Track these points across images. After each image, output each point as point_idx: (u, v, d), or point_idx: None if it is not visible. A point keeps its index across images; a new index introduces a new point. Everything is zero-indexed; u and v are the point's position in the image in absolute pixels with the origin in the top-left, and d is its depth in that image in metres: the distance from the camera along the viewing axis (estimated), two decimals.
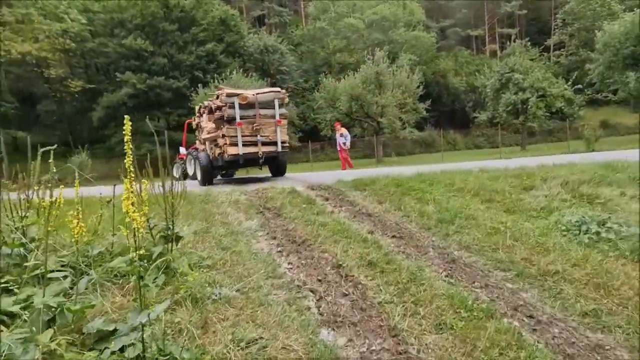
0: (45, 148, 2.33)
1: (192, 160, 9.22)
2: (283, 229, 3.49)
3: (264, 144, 7.38)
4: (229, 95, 7.34)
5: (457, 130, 34.55)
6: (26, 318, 1.42)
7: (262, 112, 7.52)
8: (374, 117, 22.01)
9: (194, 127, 9.91)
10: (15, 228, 2.32)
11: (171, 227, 2.40)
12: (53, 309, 1.43)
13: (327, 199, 4.47)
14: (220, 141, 7.42)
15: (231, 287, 2.26)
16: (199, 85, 24.12)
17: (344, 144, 13.33)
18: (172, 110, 28.57)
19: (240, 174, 10.57)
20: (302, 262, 2.76)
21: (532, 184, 4.18)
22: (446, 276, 2.45)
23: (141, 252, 1.56)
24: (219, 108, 7.43)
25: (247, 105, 7.32)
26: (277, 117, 7.64)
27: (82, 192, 2.27)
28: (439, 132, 34.53)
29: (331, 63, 33.89)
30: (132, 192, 1.47)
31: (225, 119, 7.19)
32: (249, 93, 7.68)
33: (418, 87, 21.64)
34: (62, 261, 2.15)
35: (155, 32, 29.03)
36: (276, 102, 7.72)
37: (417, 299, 2.09)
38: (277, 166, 8.34)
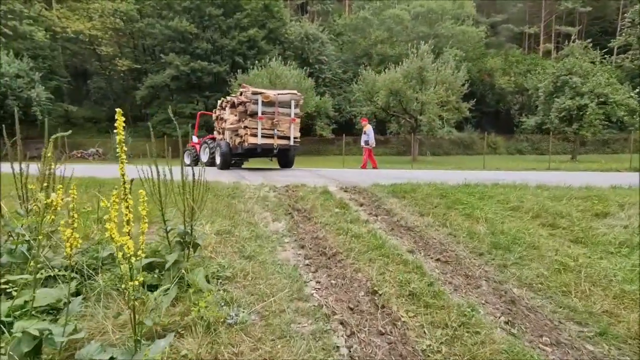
0: (58, 134, 2.13)
1: (207, 149, 10.69)
2: (312, 237, 3.17)
3: (279, 137, 8.69)
4: (254, 93, 8.47)
5: (499, 133, 32.54)
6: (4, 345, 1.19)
7: (280, 110, 8.76)
8: (412, 113, 21.13)
9: (214, 118, 11.02)
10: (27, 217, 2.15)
11: (189, 232, 2.13)
12: (35, 337, 1.19)
13: (361, 205, 4.08)
14: (242, 132, 8.58)
15: (250, 308, 1.97)
16: (239, 70, 24.27)
17: (366, 142, 12.33)
18: (211, 94, 29.06)
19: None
20: (332, 281, 2.42)
21: (605, 209, 3.56)
22: (506, 323, 2.01)
23: (141, 275, 1.27)
24: (241, 103, 8.58)
25: (269, 103, 8.55)
26: (292, 116, 8.92)
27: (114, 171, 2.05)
28: (479, 134, 32.83)
29: (371, 54, 32.93)
30: (126, 207, 1.18)
31: (248, 112, 8.37)
32: (271, 93, 8.80)
33: (463, 85, 20.47)
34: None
35: (201, 15, 29.45)
36: (292, 103, 8.98)
37: (472, 355, 1.69)
38: (286, 158, 9.83)
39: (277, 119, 8.70)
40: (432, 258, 2.81)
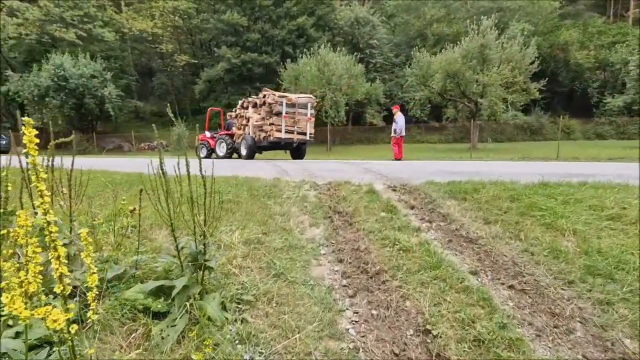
0: (61, 140, 1.95)
1: (222, 144, 12.68)
2: (353, 248, 2.74)
3: (298, 133, 10.92)
4: (280, 97, 10.64)
5: (573, 115, 28.67)
6: None
7: (300, 110, 10.95)
8: (471, 97, 19.37)
9: (234, 116, 12.82)
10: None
11: (202, 251, 1.83)
12: None
13: (412, 207, 3.54)
14: (267, 128, 10.66)
15: (270, 347, 1.62)
16: (288, 60, 24.20)
17: (394, 130, 11.29)
18: (261, 85, 29.53)
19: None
20: (373, 311, 1.98)
21: None
22: None
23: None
24: (264, 103, 10.82)
25: (291, 105, 10.70)
26: (309, 115, 11.18)
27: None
28: (549, 117, 29.34)
29: (426, 35, 30.82)
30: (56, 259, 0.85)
31: (274, 112, 10.47)
32: (293, 96, 10.98)
33: (532, 63, 18.17)
34: (73, 280, 1.74)
35: (251, 7, 29.82)
36: (309, 105, 11.22)
37: None
38: (300, 151, 11.80)
39: (297, 118, 10.83)
40: (503, 284, 2.23)
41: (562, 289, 2.15)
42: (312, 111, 11.22)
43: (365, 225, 3.14)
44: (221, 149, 12.72)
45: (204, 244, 1.82)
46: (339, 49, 22.40)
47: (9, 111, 27.85)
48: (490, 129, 28.13)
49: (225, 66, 28.50)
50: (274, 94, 10.71)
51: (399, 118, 11.26)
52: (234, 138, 12.72)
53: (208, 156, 12.91)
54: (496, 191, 3.61)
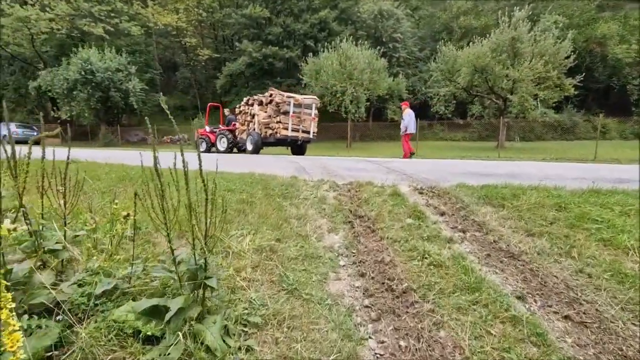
0: (44, 134, 1.74)
1: (223, 139, 13.11)
2: (376, 260, 2.43)
3: (303, 131, 11.60)
4: (288, 97, 11.21)
5: (609, 114, 26.96)
6: None
7: (305, 110, 11.60)
8: (500, 93, 18.46)
9: (237, 112, 13.18)
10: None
11: (202, 266, 1.57)
12: None
13: (442, 214, 3.19)
14: (274, 125, 11.23)
15: None
16: (310, 54, 23.88)
17: (403, 128, 10.91)
18: (282, 79, 29.42)
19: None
20: (401, 342, 1.68)
21: None
22: None
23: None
24: (271, 102, 11.36)
25: (297, 105, 11.34)
26: (313, 115, 11.89)
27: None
28: (583, 115, 27.77)
29: (452, 28, 29.73)
30: None
31: (281, 111, 11.07)
32: (299, 97, 11.55)
33: (567, 57, 17.09)
34: (59, 294, 1.53)
35: (273, 0, 29.62)
36: (313, 105, 11.97)
37: None
38: (301, 148, 12.46)
39: (303, 117, 11.50)
40: (556, 313, 1.87)
41: (633, 323, 1.77)
42: (316, 111, 12.06)
43: (389, 233, 2.83)
44: (222, 144, 13.21)
45: (205, 259, 1.56)
46: (361, 42, 21.86)
47: (41, 104, 28.98)
48: (518, 127, 26.89)
49: (247, 60, 28.49)
50: (282, 94, 11.34)
51: (407, 115, 10.92)
52: (236, 133, 13.25)
53: (207, 150, 13.53)
54: (538, 198, 3.20)
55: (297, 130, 11.37)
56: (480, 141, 26.70)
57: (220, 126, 14.17)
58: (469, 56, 17.49)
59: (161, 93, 32.93)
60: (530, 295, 2.02)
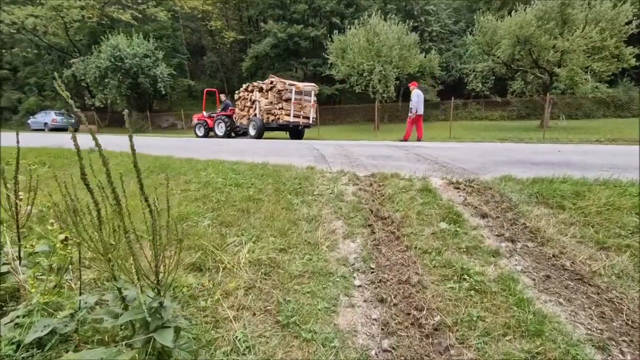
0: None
1: (221, 124, 13.48)
2: (400, 279, 1.96)
3: (304, 117, 11.98)
4: (290, 85, 11.50)
5: None
6: None
7: (305, 97, 11.94)
8: (545, 67, 16.71)
9: (236, 98, 13.46)
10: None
11: (157, 310, 1.17)
12: None
13: (484, 216, 2.62)
14: (277, 112, 11.62)
15: None
16: (335, 32, 22.86)
17: (411, 109, 10.45)
18: (307, 60, 28.61)
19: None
20: None
21: None
22: None
23: None
24: (271, 89, 11.77)
25: (299, 92, 11.63)
26: (312, 102, 12.26)
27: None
28: None
29: None
30: None
31: (283, 98, 11.43)
32: (300, 84, 11.85)
33: (628, 22, 15.02)
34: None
35: None
36: (312, 92, 12.28)
37: None
38: (300, 133, 13.00)
39: (304, 104, 11.84)
40: None
41: None
42: (315, 98, 12.48)
43: (418, 241, 2.33)
44: (220, 129, 13.59)
45: (160, 303, 1.16)
46: (390, 17, 20.51)
47: (78, 92, 30.16)
48: (563, 104, 24.59)
49: (272, 41, 27.85)
50: (284, 82, 11.65)
51: (415, 96, 10.36)
52: (234, 118, 13.55)
53: (205, 135, 13.98)
54: (611, 197, 2.54)
55: (298, 117, 11.80)
56: (520, 120, 24.74)
57: (217, 111, 14.24)
58: (510, 26, 15.82)
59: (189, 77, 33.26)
60: (614, 344, 1.47)
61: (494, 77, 20.42)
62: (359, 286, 1.94)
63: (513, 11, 16.70)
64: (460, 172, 3.74)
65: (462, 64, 23.25)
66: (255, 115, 12.26)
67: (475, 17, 18.18)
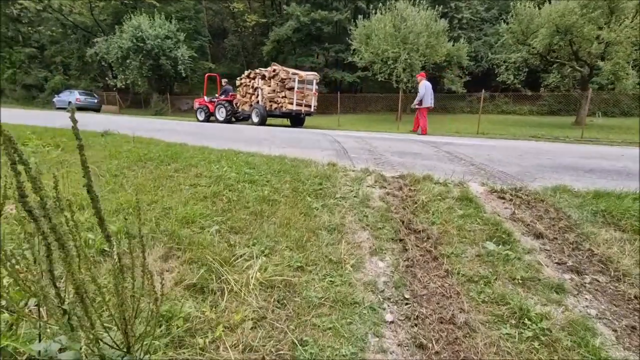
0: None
1: (222, 109, 13.69)
2: (441, 318, 1.60)
3: (305, 105, 12.27)
4: (293, 74, 11.81)
5: None
6: None
7: (307, 86, 12.26)
8: (585, 59, 15.54)
9: (237, 84, 13.69)
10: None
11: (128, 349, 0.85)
12: None
13: (538, 235, 2.21)
14: (280, 100, 11.87)
15: None
16: (360, 17, 22.02)
17: (420, 101, 10.26)
18: (330, 45, 27.86)
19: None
20: None
21: None
22: None
23: None
24: (273, 77, 12.01)
25: (301, 81, 11.92)
26: (314, 91, 12.63)
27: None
28: None
29: None
30: None
31: (287, 87, 11.68)
32: (303, 73, 12.13)
33: None
34: None
35: None
36: (314, 81, 12.65)
37: None
38: (301, 120, 13.24)
39: (306, 93, 12.16)
40: None
41: None
42: (316, 87, 12.78)
43: (460, 265, 1.95)
44: (220, 114, 13.83)
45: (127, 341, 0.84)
46: (419, 2, 19.51)
47: (101, 72, 30.51)
48: (599, 100, 23.06)
49: (294, 25, 27.18)
50: (287, 70, 11.95)
51: (422, 87, 10.22)
52: (235, 103, 13.79)
53: (206, 120, 14.25)
54: None
55: (301, 105, 12.07)
56: (551, 115, 23.40)
57: (218, 96, 14.47)
58: (550, 14, 14.67)
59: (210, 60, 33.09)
60: None
61: (527, 68, 19.24)
62: (391, 322, 1.60)
63: None
64: (502, 178, 3.30)
65: (493, 53, 22.02)
66: (258, 102, 12.52)
67: (512, 3, 17.01)
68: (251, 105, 12.83)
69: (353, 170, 3.50)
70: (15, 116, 11.54)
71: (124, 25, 21.95)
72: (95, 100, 24.43)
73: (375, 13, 19.73)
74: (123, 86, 24.21)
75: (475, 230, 2.26)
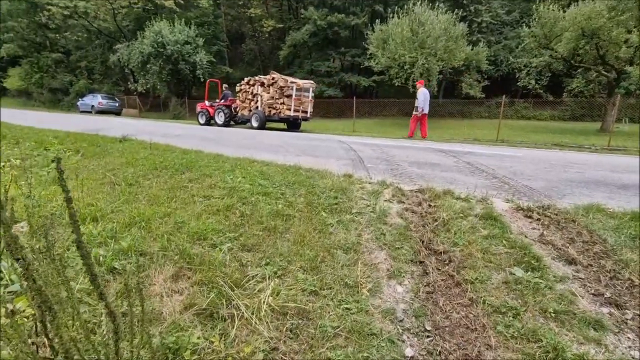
0: None
1: (221, 113, 14.50)
2: (466, 355, 1.47)
3: (302, 112, 13.08)
4: (291, 82, 12.55)
5: None
6: None
7: (304, 94, 13.03)
8: (613, 64, 14.94)
9: (237, 90, 14.46)
10: None
11: None
12: None
13: (571, 261, 2.04)
14: (278, 106, 12.70)
15: None
16: (377, 21, 21.90)
17: (417, 108, 10.75)
18: (346, 50, 27.81)
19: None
20: None
21: None
22: None
23: None
24: (272, 85, 12.77)
25: (298, 89, 12.71)
26: (310, 98, 13.29)
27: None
28: None
29: None
30: None
31: (285, 94, 12.50)
32: (300, 82, 12.89)
33: None
34: None
35: None
36: (311, 89, 13.32)
37: None
38: (298, 125, 13.93)
39: (303, 100, 12.94)
40: None
41: None
42: (313, 94, 13.52)
43: (485, 292, 1.82)
44: (220, 118, 14.65)
45: None
46: (438, 5, 19.23)
47: (123, 77, 31.39)
48: (624, 106, 22.14)
49: (311, 29, 27.27)
50: (285, 79, 12.79)
51: (422, 94, 10.70)
52: (235, 108, 14.67)
53: (207, 123, 15.14)
54: None
55: (298, 111, 12.86)
56: (573, 122, 22.61)
57: (218, 101, 15.32)
58: (575, 17, 14.17)
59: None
60: None
61: (550, 73, 18.67)
62: (412, 358, 1.48)
63: (579, 0, 14.99)
64: (528, 193, 3.13)
65: (513, 57, 21.48)
66: (257, 108, 13.33)
67: (534, 5, 16.55)
68: (250, 110, 13.63)
69: (370, 183, 3.39)
70: (43, 120, 11.94)
71: (145, 31, 22.50)
72: (117, 104, 25.11)
73: (393, 17, 19.56)
74: (143, 90, 24.79)
75: (501, 254, 2.12)
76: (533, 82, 18.41)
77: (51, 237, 0.80)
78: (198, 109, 16.01)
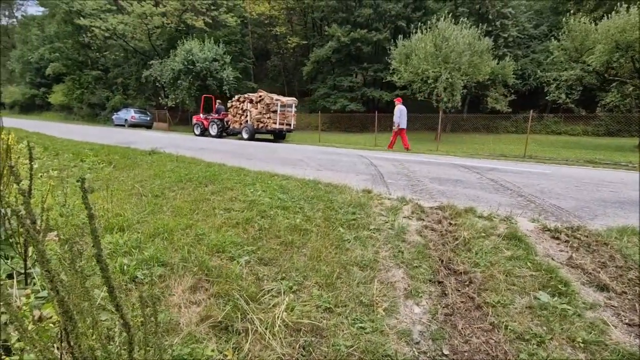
0: None
1: (214, 125, 16.51)
2: None
3: (286, 124, 14.91)
4: (276, 100, 14.44)
5: None
6: None
7: (287, 109, 14.88)
8: None
9: (229, 106, 16.23)
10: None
11: None
12: None
13: (603, 288, 1.93)
14: (265, 120, 14.44)
15: None
16: (400, 36, 22.04)
17: (394, 123, 12.27)
18: (369, 65, 28.05)
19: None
20: None
21: None
22: None
23: None
24: (260, 102, 14.60)
25: (282, 105, 14.54)
26: (293, 112, 15.22)
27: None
28: None
29: None
30: None
31: (271, 110, 14.26)
32: (284, 99, 14.81)
33: None
34: None
35: None
36: (293, 105, 15.20)
37: None
38: (282, 135, 15.78)
39: (286, 114, 14.79)
40: None
41: None
42: (295, 109, 15.37)
43: (508, 317, 1.74)
44: (213, 129, 16.59)
45: None
46: (462, 21, 19.13)
47: (155, 92, 32.98)
48: None
49: (334, 45, 27.76)
50: (271, 96, 14.59)
51: (397, 111, 12.16)
52: (227, 121, 16.47)
53: (202, 134, 17.01)
54: None
55: (283, 124, 14.71)
56: (607, 137, 21.54)
57: (212, 114, 17.30)
58: (609, 30, 13.70)
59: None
60: None
61: (582, 87, 18.00)
62: None
63: (613, 12, 14.50)
64: (556, 213, 2.99)
65: (542, 71, 20.90)
66: (247, 122, 15.16)
67: (564, 19, 16.15)
68: (241, 124, 15.53)
69: (389, 199, 3.36)
70: (88, 133, 12.70)
71: (177, 49, 23.68)
72: (148, 118, 26.35)
73: (416, 32, 19.61)
74: (173, 105, 25.90)
75: (526, 277, 2.03)
76: (564, 96, 17.81)
77: (77, 248, 0.85)
78: (194, 121, 17.82)
